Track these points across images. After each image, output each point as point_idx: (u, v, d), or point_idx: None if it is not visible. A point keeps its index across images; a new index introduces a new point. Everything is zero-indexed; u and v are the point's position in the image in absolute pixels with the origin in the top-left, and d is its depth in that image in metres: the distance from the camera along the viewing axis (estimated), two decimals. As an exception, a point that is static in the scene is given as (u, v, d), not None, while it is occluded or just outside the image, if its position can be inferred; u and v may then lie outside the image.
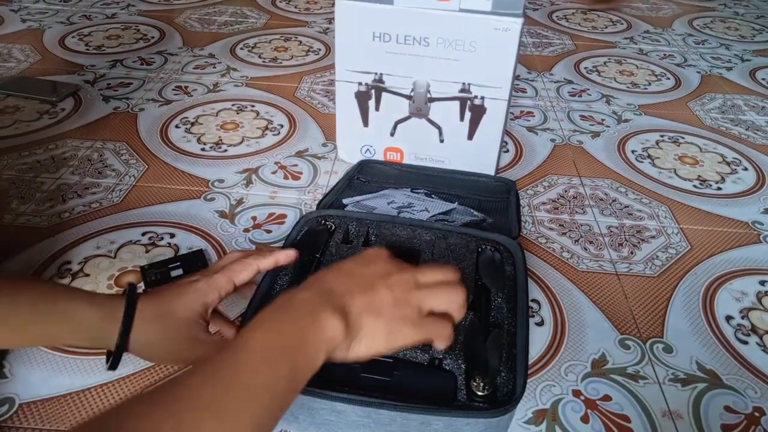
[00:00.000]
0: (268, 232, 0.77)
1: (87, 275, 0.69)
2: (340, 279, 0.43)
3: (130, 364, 0.59)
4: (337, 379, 0.49)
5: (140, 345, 0.50)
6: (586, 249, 0.77)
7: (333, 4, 0.79)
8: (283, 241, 0.69)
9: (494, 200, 0.82)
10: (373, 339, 0.41)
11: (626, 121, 1.10)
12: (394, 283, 0.43)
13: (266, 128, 1.01)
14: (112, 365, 0.50)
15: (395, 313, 0.42)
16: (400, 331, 0.42)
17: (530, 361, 0.60)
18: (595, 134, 1.04)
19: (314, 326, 0.38)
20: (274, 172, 0.89)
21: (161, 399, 0.32)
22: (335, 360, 0.40)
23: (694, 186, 0.92)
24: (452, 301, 0.45)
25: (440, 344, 0.43)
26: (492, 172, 0.89)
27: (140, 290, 0.52)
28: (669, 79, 1.27)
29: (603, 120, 1.09)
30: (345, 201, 0.79)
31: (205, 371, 0.34)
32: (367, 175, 0.87)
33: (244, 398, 0.33)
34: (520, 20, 0.74)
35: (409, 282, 0.44)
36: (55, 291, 0.51)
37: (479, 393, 0.49)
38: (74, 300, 0.49)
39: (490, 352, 0.52)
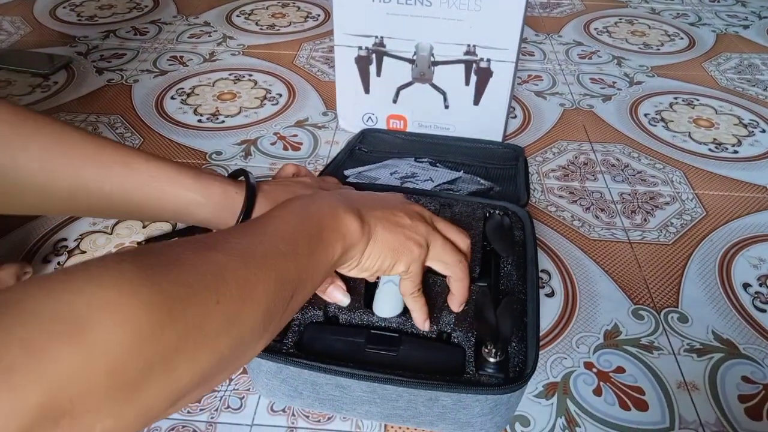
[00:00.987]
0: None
1: (84, 252, 0.67)
2: (359, 194, 0.46)
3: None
4: (341, 354, 0.48)
5: None
6: (597, 217, 0.74)
7: (330, -36, 0.75)
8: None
9: (502, 168, 0.79)
10: (383, 250, 0.42)
11: (638, 83, 1.05)
12: (411, 211, 0.45)
13: (264, 98, 0.98)
14: None
15: (407, 233, 0.43)
16: (408, 248, 0.43)
17: (540, 334, 0.58)
18: (606, 98, 1.01)
19: (333, 219, 0.39)
20: (273, 143, 0.87)
21: (194, 240, 0.31)
22: (349, 265, 0.42)
23: (710, 150, 0.88)
24: (460, 245, 0.48)
25: (446, 271, 0.47)
26: (499, 139, 0.85)
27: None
28: (682, 38, 1.22)
29: (614, 83, 1.05)
30: (346, 173, 0.76)
31: (232, 230, 0.35)
32: (369, 145, 0.84)
33: (268, 255, 0.33)
34: (527, -24, 0.70)
35: (424, 215, 0.46)
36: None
37: (491, 359, 0.46)
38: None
39: (501, 319, 0.50)
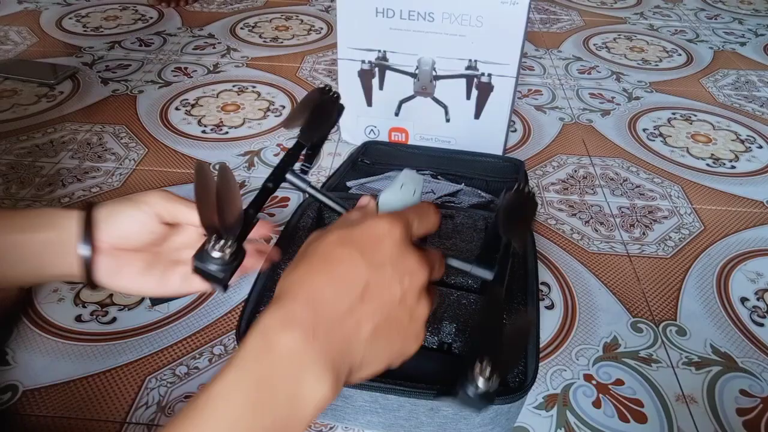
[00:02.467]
0: (271, 215, 0.76)
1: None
2: (339, 294, 0.30)
3: (131, 352, 0.58)
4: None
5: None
6: (596, 230, 0.75)
7: (335, -20, 0.77)
8: (285, 225, 0.67)
9: (502, 181, 0.80)
10: (375, 365, 0.32)
11: (637, 98, 1.07)
12: (409, 289, 0.32)
13: (268, 109, 0.99)
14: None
15: (407, 332, 0.33)
16: (408, 348, 0.34)
17: (540, 346, 0.59)
18: (605, 112, 1.02)
19: (302, 402, 0.28)
20: (276, 155, 0.88)
21: None
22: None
23: (707, 165, 0.89)
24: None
25: None
26: (500, 152, 0.86)
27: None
28: (680, 55, 1.24)
29: (613, 98, 1.07)
30: (349, 184, 0.77)
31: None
32: (371, 157, 0.85)
33: None
34: (528, -7, 0.71)
35: (422, 284, 0.33)
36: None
37: (479, 380, 0.32)
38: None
39: (509, 338, 0.46)
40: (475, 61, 0.78)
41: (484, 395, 0.32)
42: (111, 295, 0.64)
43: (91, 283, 0.42)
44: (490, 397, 0.32)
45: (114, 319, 0.61)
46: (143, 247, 0.44)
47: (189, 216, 0.44)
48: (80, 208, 0.42)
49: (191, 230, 0.46)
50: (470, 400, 0.33)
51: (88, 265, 0.41)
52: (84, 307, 0.62)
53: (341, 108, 0.47)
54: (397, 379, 0.47)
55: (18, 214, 0.42)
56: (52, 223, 0.41)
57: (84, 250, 0.41)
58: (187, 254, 0.45)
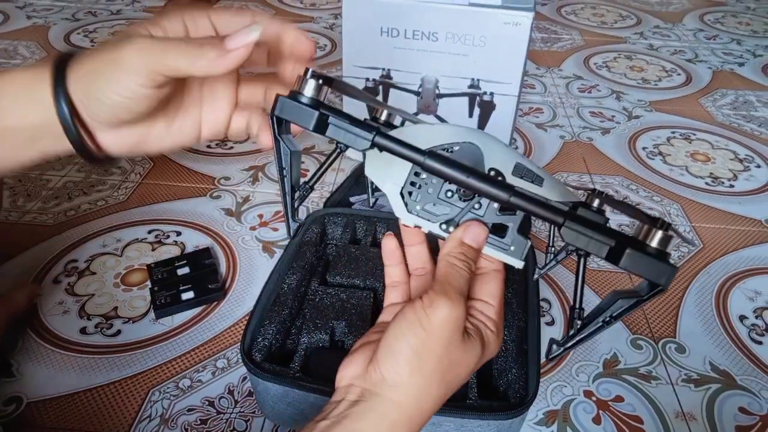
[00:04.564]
0: (275, 230, 0.77)
1: (93, 273, 0.69)
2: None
3: (135, 365, 0.58)
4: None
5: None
6: (596, 247, 0.76)
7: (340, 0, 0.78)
8: (289, 240, 0.68)
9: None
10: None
11: (637, 117, 1.08)
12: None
13: (273, 125, 1.00)
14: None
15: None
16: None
17: (541, 361, 0.59)
18: (605, 131, 1.03)
19: None
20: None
21: None
22: None
23: (706, 183, 0.90)
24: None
25: None
26: (501, 169, 0.88)
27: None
28: (680, 74, 1.26)
29: (613, 116, 1.08)
30: (352, 199, 0.78)
31: None
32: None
33: None
34: (530, 14, 0.73)
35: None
36: None
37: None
38: None
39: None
40: (478, 80, 0.80)
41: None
42: (116, 308, 0.64)
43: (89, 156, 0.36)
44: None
45: (118, 332, 0.62)
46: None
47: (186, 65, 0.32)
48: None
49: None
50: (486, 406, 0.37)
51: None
52: (89, 319, 0.63)
53: None
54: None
55: None
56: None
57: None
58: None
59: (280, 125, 0.35)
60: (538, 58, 1.31)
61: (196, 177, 0.86)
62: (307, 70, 0.34)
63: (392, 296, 0.41)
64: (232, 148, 0.94)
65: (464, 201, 0.36)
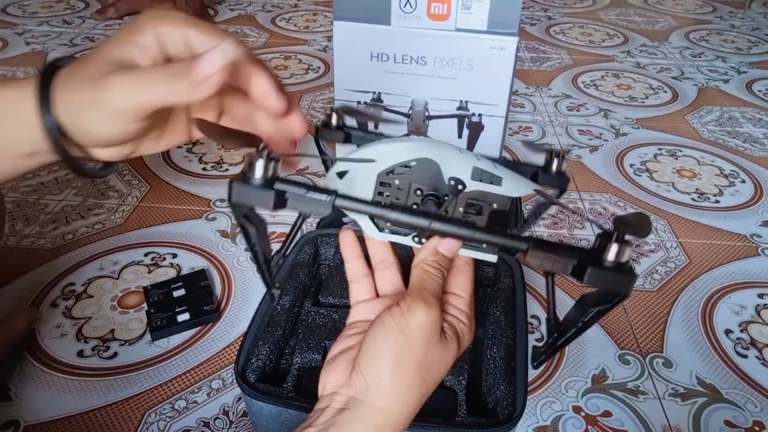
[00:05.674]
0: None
1: (90, 296, 0.70)
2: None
3: (132, 386, 0.59)
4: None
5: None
6: (585, 264, 0.77)
7: (332, 23, 0.81)
8: (282, 261, 0.69)
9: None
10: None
11: (624, 134, 1.10)
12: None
13: (267, 147, 1.02)
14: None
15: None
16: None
17: (530, 378, 0.61)
18: (594, 148, 1.05)
19: None
20: (275, 191, 0.90)
21: None
22: None
23: (693, 199, 0.92)
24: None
25: None
26: (491, 188, 0.89)
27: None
28: (666, 92, 1.28)
29: (601, 134, 1.10)
30: (345, 219, 0.80)
31: None
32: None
33: None
34: (515, 39, 0.75)
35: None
36: None
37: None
38: None
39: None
40: (466, 102, 0.82)
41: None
42: (113, 330, 0.65)
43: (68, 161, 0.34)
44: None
45: (115, 354, 0.63)
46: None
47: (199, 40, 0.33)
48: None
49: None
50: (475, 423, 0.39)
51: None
52: (86, 342, 0.64)
53: None
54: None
55: None
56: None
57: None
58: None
59: (238, 207, 0.33)
60: (528, 77, 1.34)
61: (192, 199, 0.88)
62: (258, 147, 0.32)
63: (358, 293, 0.42)
64: (227, 170, 0.95)
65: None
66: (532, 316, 0.69)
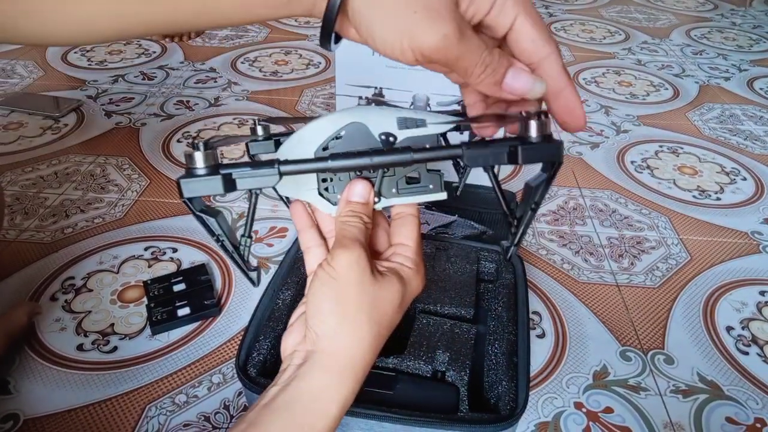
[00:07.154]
0: (270, 245, 0.78)
1: (90, 290, 0.70)
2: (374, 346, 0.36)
3: (132, 381, 0.59)
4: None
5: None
6: (586, 260, 0.77)
7: (333, 20, 0.80)
8: (283, 255, 0.69)
9: (494, 212, 0.82)
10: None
11: (625, 131, 1.10)
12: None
13: (267, 142, 1.02)
14: None
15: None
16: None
17: (532, 374, 0.61)
18: (595, 145, 1.05)
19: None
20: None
21: None
22: None
23: (694, 196, 0.92)
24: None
25: None
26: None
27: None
28: (667, 89, 1.28)
29: (602, 131, 1.10)
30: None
31: None
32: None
33: None
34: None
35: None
36: None
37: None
38: None
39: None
40: (468, 97, 0.81)
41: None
42: (112, 324, 0.65)
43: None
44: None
45: (115, 348, 0.63)
46: None
47: None
48: None
49: None
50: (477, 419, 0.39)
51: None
52: (86, 336, 0.64)
53: None
54: (392, 407, 0.48)
55: None
56: None
57: None
58: None
59: (192, 202, 0.34)
60: (529, 73, 1.33)
61: (192, 194, 0.87)
62: (195, 143, 0.33)
63: (312, 262, 0.42)
64: (227, 165, 0.95)
65: (374, 171, 0.38)
66: (534, 312, 0.69)
